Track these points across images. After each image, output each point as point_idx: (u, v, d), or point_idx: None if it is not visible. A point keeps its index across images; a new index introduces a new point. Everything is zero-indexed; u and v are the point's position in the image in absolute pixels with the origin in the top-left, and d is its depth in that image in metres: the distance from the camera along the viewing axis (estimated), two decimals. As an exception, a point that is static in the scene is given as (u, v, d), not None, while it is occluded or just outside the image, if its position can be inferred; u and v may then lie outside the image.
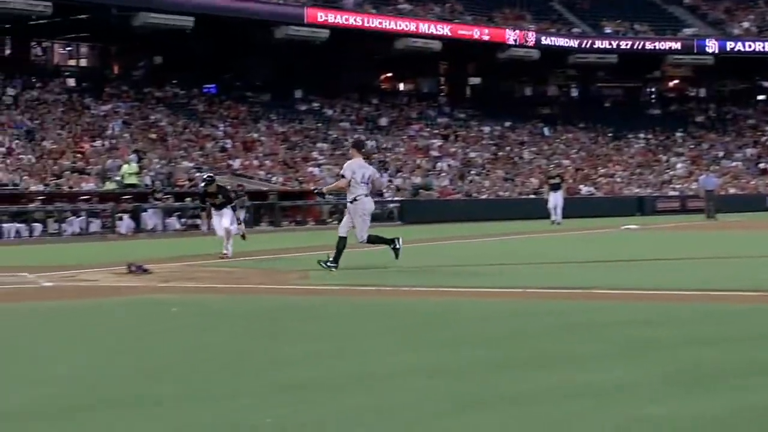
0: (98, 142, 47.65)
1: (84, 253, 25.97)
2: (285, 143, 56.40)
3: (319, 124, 61.62)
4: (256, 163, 51.37)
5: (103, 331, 11.18)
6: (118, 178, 42.84)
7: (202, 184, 23.71)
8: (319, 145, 57.49)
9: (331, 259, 18.19)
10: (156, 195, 41.69)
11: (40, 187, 39.76)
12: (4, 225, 36.07)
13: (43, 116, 49.18)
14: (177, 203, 42.11)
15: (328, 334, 10.49)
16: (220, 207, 22.58)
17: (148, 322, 11.94)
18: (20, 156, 42.69)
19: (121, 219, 39.13)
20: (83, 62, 68.34)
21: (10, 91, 50.77)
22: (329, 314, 12.39)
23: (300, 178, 50.48)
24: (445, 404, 6.90)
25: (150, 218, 40.62)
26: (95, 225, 38.67)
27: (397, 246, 18.82)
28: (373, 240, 18.99)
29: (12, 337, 10.95)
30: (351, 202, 18.76)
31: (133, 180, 42.60)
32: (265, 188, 47.43)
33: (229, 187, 24.18)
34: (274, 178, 49.25)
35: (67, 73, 62.29)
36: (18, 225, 36.64)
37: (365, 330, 10.71)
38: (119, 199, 39.89)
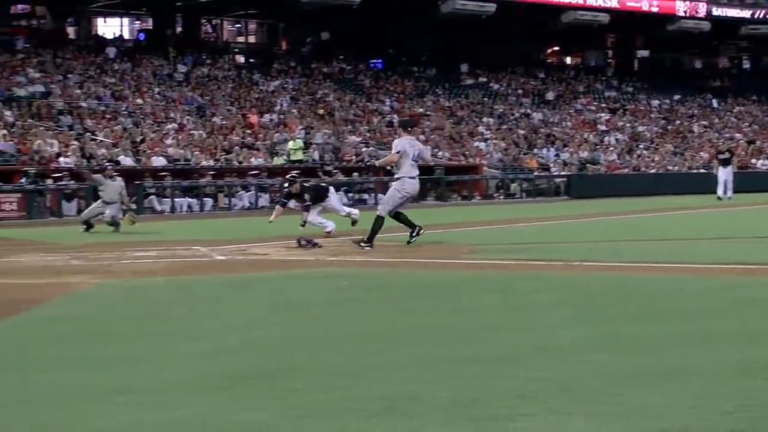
0: (266, 117, 48.29)
1: (254, 227, 26.33)
2: (451, 118, 56.36)
3: (485, 99, 61.48)
4: (422, 138, 51.41)
5: (276, 304, 11.35)
6: (285, 156, 43.32)
7: (286, 185, 23.87)
8: (485, 119, 57.34)
9: (413, 234, 18.61)
10: (324, 170, 42.02)
11: (211, 163, 40.44)
12: (177, 200, 36.80)
13: (213, 92, 50.06)
14: (345, 178, 42.32)
15: (501, 307, 10.50)
16: (306, 205, 22.50)
17: (319, 296, 12.08)
18: (191, 132, 43.49)
19: (289, 193, 39.56)
20: (252, 39, 69.44)
21: (182, 68, 51.83)
22: (501, 288, 12.34)
23: (466, 153, 50.38)
24: (624, 378, 6.87)
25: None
26: (264, 199, 39.12)
27: (414, 235, 18.69)
28: (394, 217, 18.98)
29: (189, 310, 11.21)
30: (397, 179, 19.01)
31: (299, 156, 43.03)
32: (431, 163, 47.41)
33: (310, 185, 24.10)
34: (440, 153, 49.25)
35: (236, 50, 63.35)
36: (190, 200, 37.35)
37: (538, 304, 10.67)
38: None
